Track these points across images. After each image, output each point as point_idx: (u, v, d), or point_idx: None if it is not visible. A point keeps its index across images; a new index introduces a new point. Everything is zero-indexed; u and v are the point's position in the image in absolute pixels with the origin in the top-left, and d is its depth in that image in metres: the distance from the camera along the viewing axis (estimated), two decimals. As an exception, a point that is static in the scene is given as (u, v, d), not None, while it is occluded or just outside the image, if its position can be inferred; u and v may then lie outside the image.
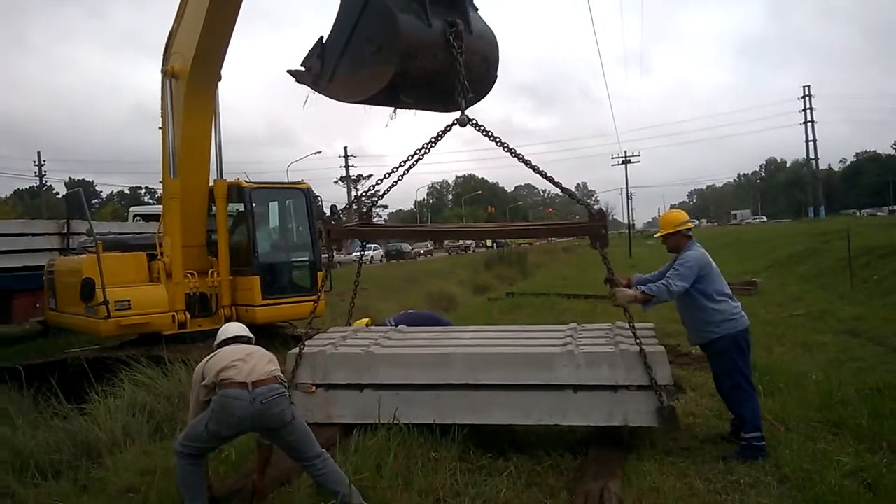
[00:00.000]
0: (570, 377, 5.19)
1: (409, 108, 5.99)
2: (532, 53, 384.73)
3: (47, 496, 4.99)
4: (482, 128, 5.65)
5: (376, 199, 6.79)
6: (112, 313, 8.88)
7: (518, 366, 5.32)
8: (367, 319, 8.02)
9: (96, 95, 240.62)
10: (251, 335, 4.64)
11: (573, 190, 6.35)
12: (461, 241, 61.18)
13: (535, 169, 5.67)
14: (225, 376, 4.04)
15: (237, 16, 8.67)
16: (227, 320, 9.87)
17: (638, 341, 5.13)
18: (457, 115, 5.67)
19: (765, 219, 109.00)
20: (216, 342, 4.56)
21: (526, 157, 5.64)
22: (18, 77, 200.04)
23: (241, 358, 4.15)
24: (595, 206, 5.69)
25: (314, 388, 5.57)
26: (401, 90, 5.55)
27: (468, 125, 5.65)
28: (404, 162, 5.90)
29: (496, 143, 5.63)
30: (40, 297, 11.74)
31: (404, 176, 5.96)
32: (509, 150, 5.64)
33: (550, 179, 5.69)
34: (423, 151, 5.82)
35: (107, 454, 5.91)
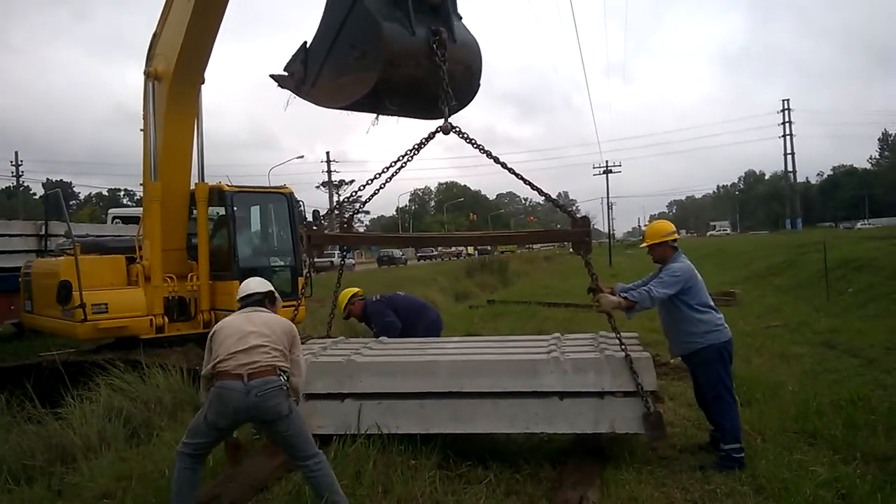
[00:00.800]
0: (557, 384, 5.19)
1: (392, 115, 6.00)
2: (516, 62, 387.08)
3: (20, 502, 4.91)
4: (465, 135, 5.67)
5: (359, 205, 6.79)
6: (89, 316, 8.77)
7: (503, 373, 5.30)
8: (356, 289, 7.92)
9: (76, 96, 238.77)
10: (268, 289, 4.58)
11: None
12: (453, 248, 61.24)
13: (517, 175, 5.70)
14: (222, 368, 4.04)
15: (222, 19, 8.62)
16: (206, 325, 9.84)
17: (623, 347, 5.16)
18: (440, 122, 5.69)
19: (728, 231, 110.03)
20: (237, 298, 4.55)
21: (509, 165, 5.68)
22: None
23: (241, 349, 4.07)
24: (578, 213, 5.73)
25: None
26: (383, 97, 5.56)
27: (451, 133, 5.67)
28: (387, 169, 5.90)
29: (479, 150, 5.65)
30: (16, 298, 11.57)
31: (387, 183, 5.96)
32: (492, 157, 5.66)
33: (533, 186, 5.73)
34: (406, 159, 5.82)
35: (82, 459, 5.84)
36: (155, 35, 9.43)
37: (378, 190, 6.04)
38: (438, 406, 5.35)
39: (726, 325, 5.48)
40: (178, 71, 8.94)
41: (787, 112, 76.45)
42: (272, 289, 4.64)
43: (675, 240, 5.67)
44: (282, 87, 6.14)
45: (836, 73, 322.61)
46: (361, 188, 6.06)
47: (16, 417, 6.96)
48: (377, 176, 5.94)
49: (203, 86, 9.64)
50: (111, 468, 5.46)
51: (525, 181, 5.72)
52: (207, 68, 9.36)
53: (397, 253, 57.29)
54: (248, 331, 4.17)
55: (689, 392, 6.83)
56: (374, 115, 5.93)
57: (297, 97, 6.06)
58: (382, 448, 5.09)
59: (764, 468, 4.95)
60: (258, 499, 4.68)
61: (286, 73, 6.11)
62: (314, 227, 6.16)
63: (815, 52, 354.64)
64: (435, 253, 65.80)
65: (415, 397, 5.40)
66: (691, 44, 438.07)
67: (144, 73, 9.43)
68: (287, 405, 4.12)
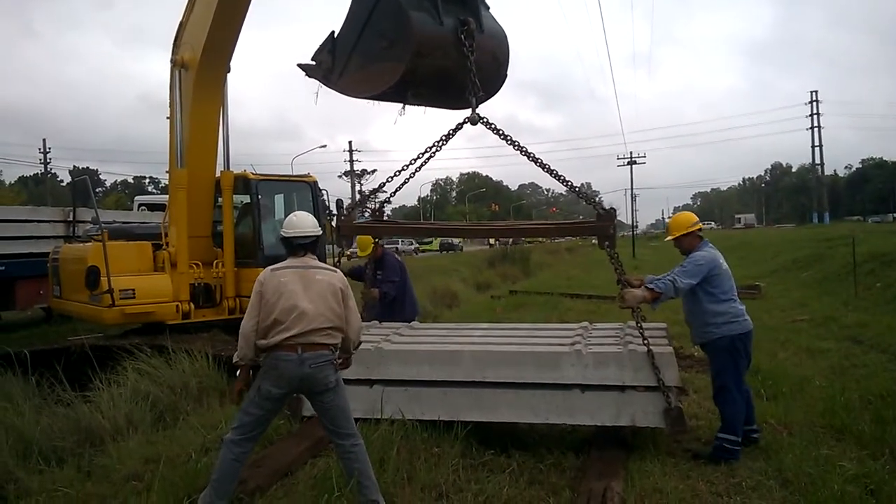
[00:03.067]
0: (578, 376, 5.19)
1: (419, 105, 6.00)
2: (540, 50, 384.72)
3: (51, 482, 5.00)
4: (493, 126, 5.66)
5: (388, 196, 6.79)
6: (116, 302, 8.90)
7: (526, 364, 5.32)
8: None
9: (102, 84, 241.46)
10: (319, 232, 4.51)
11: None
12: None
13: (544, 167, 5.66)
14: (278, 343, 4.09)
15: (248, 7, 8.66)
16: (231, 312, 9.93)
17: (646, 342, 5.13)
18: (467, 112, 5.68)
19: (713, 225, 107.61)
20: (283, 235, 4.42)
21: (536, 156, 5.64)
22: (25, 65, 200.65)
23: (298, 332, 4.08)
24: (605, 206, 5.66)
25: None
26: (411, 87, 5.56)
27: (479, 123, 5.66)
28: (415, 160, 5.92)
29: (507, 141, 5.63)
30: (44, 283, 11.78)
31: (416, 173, 5.98)
32: (520, 148, 5.64)
33: (561, 178, 5.69)
34: (434, 149, 5.86)
35: (110, 442, 5.93)
36: (181, 24, 9.49)
37: (407, 180, 6.07)
38: (462, 394, 5.40)
39: (747, 318, 5.40)
40: (204, 59, 9.00)
41: (815, 104, 75.43)
42: (320, 231, 4.57)
43: (699, 229, 5.63)
44: (310, 77, 6.14)
45: (866, 64, 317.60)
46: (390, 179, 6.08)
47: (46, 400, 7.07)
48: (405, 167, 5.97)
49: (229, 74, 9.71)
50: (139, 451, 5.54)
51: (553, 174, 5.67)
52: (233, 57, 9.42)
53: (456, 241, 60.17)
54: (303, 308, 4.13)
55: (713, 384, 6.76)
56: (401, 105, 5.93)
57: (325, 87, 6.07)
58: (406, 435, 5.13)
59: (791, 462, 4.90)
60: (283, 483, 4.74)
61: (314, 63, 6.11)
62: (343, 218, 6.17)
63: (844, 42, 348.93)
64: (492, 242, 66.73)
65: (440, 385, 5.45)
66: (718, 34, 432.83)
67: (171, 61, 9.50)
68: (335, 378, 4.23)
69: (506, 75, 6.18)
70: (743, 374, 5.42)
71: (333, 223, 7.38)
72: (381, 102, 5.90)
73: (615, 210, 5.60)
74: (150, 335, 9.26)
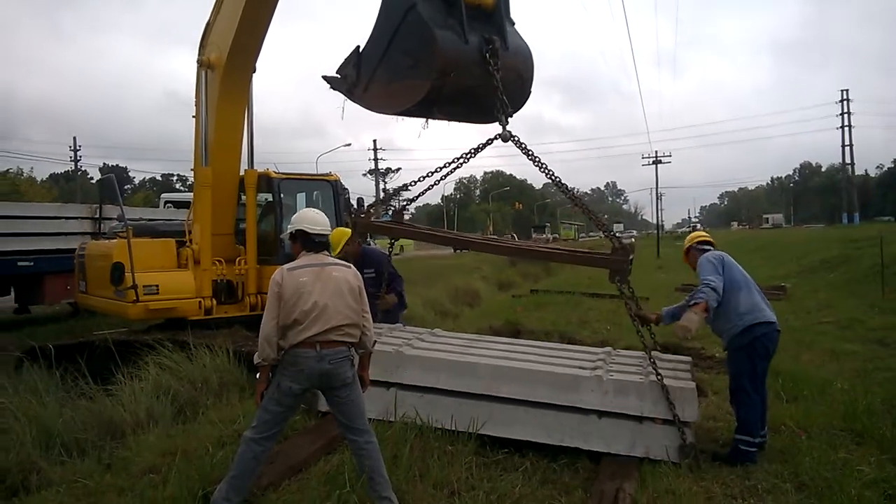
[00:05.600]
0: (596, 402, 5.14)
1: (443, 121, 6.02)
2: (564, 48, 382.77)
3: (72, 473, 5.10)
4: (523, 146, 5.66)
5: (411, 199, 6.80)
6: (140, 297, 8.99)
7: (544, 384, 5.27)
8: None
9: (131, 83, 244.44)
10: (327, 232, 4.55)
11: (604, 217, 6.38)
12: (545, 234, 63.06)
13: (568, 194, 5.72)
14: (298, 340, 4.13)
15: (275, 9, 8.72)
16: (252, 308, 10.02)
17: (659, 377, 5.06)
18: (496, 126, 5.71)
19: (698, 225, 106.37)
20: (292, 228, 4.49)
21: (562, 181, 5.72)
22: (56, 64, 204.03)
23: (318, 332, 4.12)
24: (621, 240, 5.56)
25: None
26: (435, 105, 5.57)
27: (510, 141, 5.68)
28: (441, 168, 5.99)
29: (534, 162, 5.66)
30: (71, 279, 11.97)
31: (440, 182, 6.02)
32: (546, 171, 5.68)
33: (583, 206, 5.80)
34: (461, 161, 5.91)
35: (130, 435, 6.02)
36: (208, 24, 9.59)
37: (431, 186, 6.11)
38: (477, 406, 5.38)
39: (766, 310, 5.32)
40: (230, 60, 9.07)
41: (845, 102, 74.19)
42: (328, 232, 4.60)
43: (699, 243, 5.79)
44: (334, 90, 6.17)
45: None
46: (414, 183, 6.13)
47: (70, 393, 7.20)
48: (431, 174, 6.02)
49: (254, 74, 9.80)
50: (158, 444, 5.62)
51: (573, 200, 5.73)
52: (259, 57, 9.50)
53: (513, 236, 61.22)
54: (322, 308, 4.16)
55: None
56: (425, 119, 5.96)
57: (348, 100, 6.11)
58: (420, 433, 5.15)
59: (808, 465, 4.85)
60: (297, 479, 4.78)
61: (338, 76, 6.13)
62: (361, 216, 6.21)
63: (876, 40, 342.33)
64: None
65: (456, 395, 5.44)
66: (744, 33, 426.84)
67: (197, 61, 9.58)
68: (352, 373, 4.28)
69: (529, 92, 6.18)
70: (761, 375, 5.35)
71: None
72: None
73: (632, 246, 5.56)
74: (172, 330, 9.36)
